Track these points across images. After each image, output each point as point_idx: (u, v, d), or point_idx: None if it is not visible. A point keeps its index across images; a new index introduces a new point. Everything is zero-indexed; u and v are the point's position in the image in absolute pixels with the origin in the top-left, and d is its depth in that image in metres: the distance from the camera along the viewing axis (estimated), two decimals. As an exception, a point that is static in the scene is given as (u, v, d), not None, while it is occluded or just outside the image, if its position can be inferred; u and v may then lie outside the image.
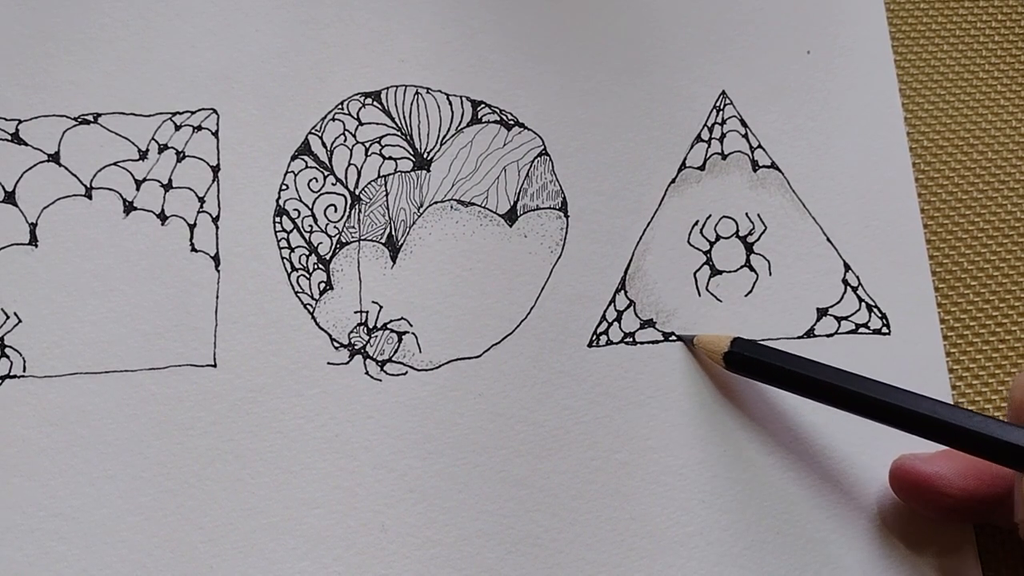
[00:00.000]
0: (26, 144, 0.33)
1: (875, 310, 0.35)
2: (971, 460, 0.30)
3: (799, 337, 0.34)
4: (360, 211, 0.34)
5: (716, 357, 0.32)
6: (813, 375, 0.30)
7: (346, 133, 0.34)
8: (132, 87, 0.34)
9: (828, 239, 0.35)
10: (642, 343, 0.33)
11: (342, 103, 0.34)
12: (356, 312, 0.33)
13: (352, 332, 0.33)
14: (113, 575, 0.30)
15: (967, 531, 0.32)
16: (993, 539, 0.32)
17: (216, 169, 0.34)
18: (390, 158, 0.34)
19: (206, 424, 0.31)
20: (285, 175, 0.34)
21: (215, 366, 0.32)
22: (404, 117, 0.35)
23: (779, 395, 0.33)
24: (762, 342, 0.33)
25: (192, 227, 0.33)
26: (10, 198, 0.33)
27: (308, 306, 0.33)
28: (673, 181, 0.35)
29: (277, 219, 0.33)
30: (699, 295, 0.34)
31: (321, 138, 0.34)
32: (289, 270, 0.33)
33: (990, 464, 0.30)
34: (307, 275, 0.33)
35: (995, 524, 0.31)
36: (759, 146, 0.36)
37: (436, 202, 0.34)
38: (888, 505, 0.32)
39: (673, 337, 0.33)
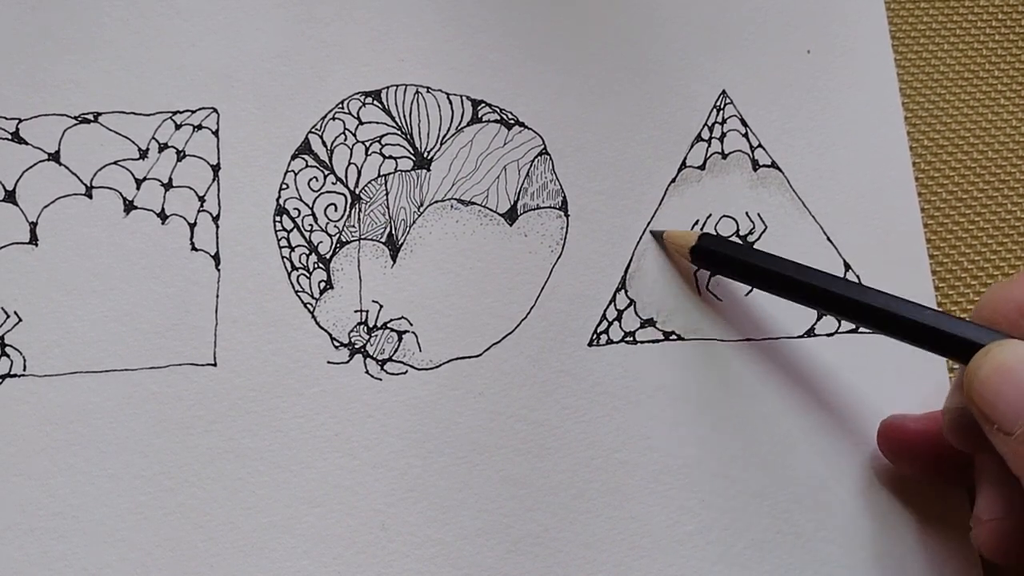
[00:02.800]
0: (26, 143, 0.33)
1: (875, 309, 0.34)
2: (963, 419, 0.30)
3: (799, 336, 0.34)
4: (360, 210, 0.34)
5: (683, 251, 0.33)
6: (773, 268, 0.31)
7: (346, 132, 0.34)
8: (132, 86, 0.34)
9: (828, 238, 0.35)
10: (642, 342, 0.33)
11: (342, 102, 0.34)
12: (356, 311, 0.33)
13: (352, 331, 0.33)
14: (113, 574, 0.30)
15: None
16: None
17: (216, 168, 0.34)
18: (390, 157, 0.34)
19: (206, 423, 0.31)
20: (285, 174, 0.34)
21: (215, 365, 0.32)
22: (404, 116, 0.35)
23: (781, 394, 0.33)
24: (764, 341, 0.34)
25: (192, 226, 0.33)
26: (10, 197, 0.33)
27: (308, 305, 0.33)
28: (673, 180, 0.35)
29: (277, 218, 0.33)
30: (699, 294, 0.34)
31: (321, 137, 0.34)
32: (289, 269, 0.33)
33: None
34: (307, 274, 0.33)
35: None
36: (759, 145, 0.36)
37: (436, 201, 0.34)
38: (890, 507, 0.32)
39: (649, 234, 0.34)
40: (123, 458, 0.31)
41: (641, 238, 0.34)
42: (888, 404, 0.33)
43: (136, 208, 0.33)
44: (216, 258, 0.33)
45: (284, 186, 0.34)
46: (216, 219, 0.33)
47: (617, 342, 0.33)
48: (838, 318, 0.30)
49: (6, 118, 0.33)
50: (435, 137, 0.35)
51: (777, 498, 0.32)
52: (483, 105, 0.35)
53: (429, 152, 0.34)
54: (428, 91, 0.35)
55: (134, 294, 0.32)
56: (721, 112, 0.36)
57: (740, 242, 0.33)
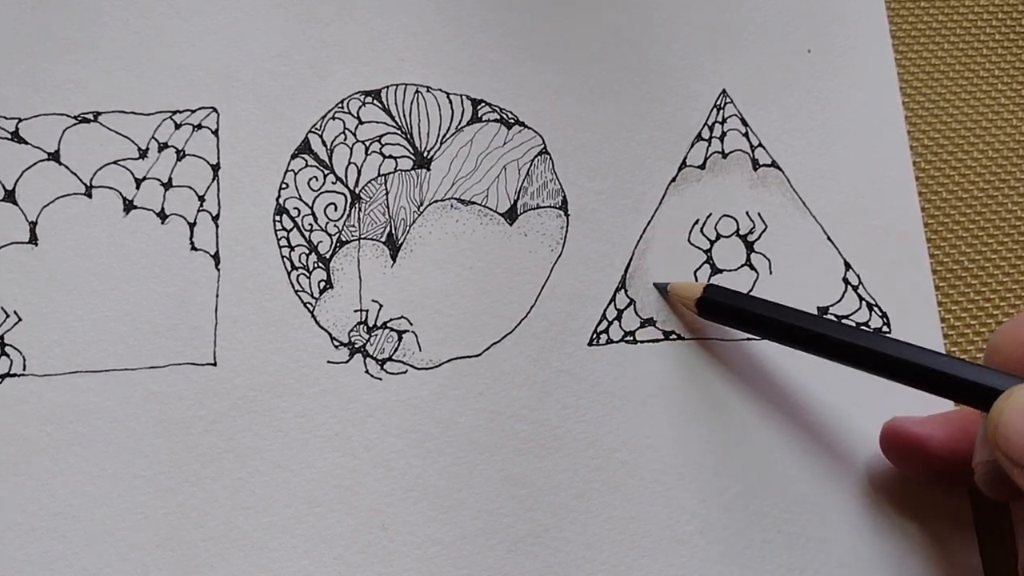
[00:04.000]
0: (26, 143, 0.33)
1: (875, 309, 0.34)
2: (964, 423, 0.30)
3: (799, 336, 0.34)
4: (360, 210, 0.34)
5: (689, 304, 0.32)
6: (782, 319, 0.30)
7: (346, 132, 0.34)
8: (132, 85, 0.34)
9: (828, 238, 0.35)
10: (642, 342, 0.33)
11: (342, 102, 0.34)
12: (356, 311, 0.33)
13: (352, 331, 0.33)
14: (113, 574, 0.30)
15: (971, 539, 0.32)
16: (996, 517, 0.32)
17: (216, 168, 0.34)
18: (390, 157, 0.34)
19: (206, 423, 0.31)
20: (285, 174, 0.34)
21: (215, 365, 0.32)
22: (404, 116, 0.35)
23: (781, 394, 0.33)
24: (764, 341, 0.34)
25: (192, 226, 0.33)
26: (10, 197, 0.33)
27: (308, 305, 0.33)
28: (673, 180, 0.35)
29: (277, 218, 0.33)
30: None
31: (321, 137, 0.34)
32: (289, 269, 0.33)
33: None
34: (307, 274, 0.33)
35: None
36: (759, 145, 0.36)
37: (436, 201, 0.34)
38: (890, 508, 0.32)
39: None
40: (123, 458, 0.31)
41: (641, 237, 0.34)
42: (890, 406, 0.33)
43: (136, 208, 0.33)
44: (216, 258, 0.33)
45: (284, 186, 0.34)
46: (216, 219, 0.33)
47: (617, 342, 0.33)
48: (852, 368, 0.29)
49: (6, 118, 0.33)
50: (435, 136, 0.35)
51: (777, 498, 0.32)
52: (483, 104, 0.35)
53: (429, 151, 0.34)
54: (428, 91, 0.35)
55: (134, 294, 0.32)
56: (721, 112, 0.36)
57: (745, 293, 0.33)
